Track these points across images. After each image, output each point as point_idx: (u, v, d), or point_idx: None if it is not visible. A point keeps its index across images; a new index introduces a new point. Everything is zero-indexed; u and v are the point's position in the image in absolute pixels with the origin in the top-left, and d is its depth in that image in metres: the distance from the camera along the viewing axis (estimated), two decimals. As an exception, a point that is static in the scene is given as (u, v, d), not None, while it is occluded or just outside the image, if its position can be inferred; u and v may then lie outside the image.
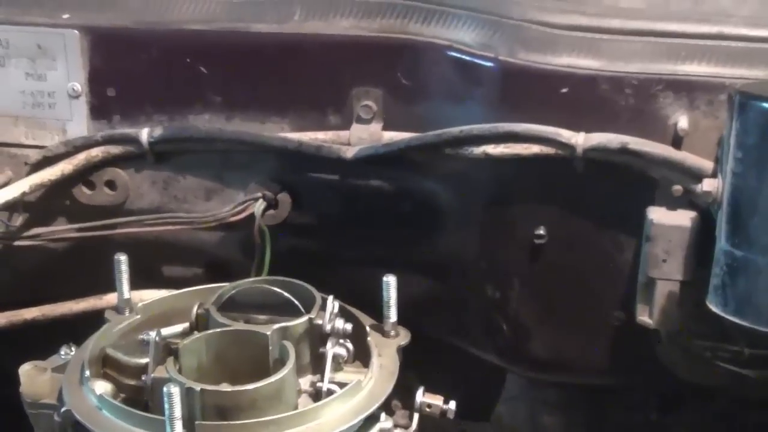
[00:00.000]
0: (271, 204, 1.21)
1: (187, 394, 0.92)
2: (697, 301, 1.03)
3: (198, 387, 0.92)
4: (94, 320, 1.10)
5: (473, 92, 1.13)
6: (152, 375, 0.98)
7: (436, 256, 1.23)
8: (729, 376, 1.13)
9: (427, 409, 1.04)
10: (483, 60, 1.11)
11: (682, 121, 1.06)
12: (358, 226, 1.23)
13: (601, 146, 1.07)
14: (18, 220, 1.24)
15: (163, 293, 1.15)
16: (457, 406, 1.05)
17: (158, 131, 1.20)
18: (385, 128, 1.17)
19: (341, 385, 0.99)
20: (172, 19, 1.20)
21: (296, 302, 1.05)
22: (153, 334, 0.99)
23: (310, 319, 1.03)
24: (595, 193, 1.12)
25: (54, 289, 1.28)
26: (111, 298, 1.19)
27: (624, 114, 1.08)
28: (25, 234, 1.24)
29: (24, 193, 1.20)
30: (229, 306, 1.06)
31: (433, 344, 1.23)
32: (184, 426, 0.90)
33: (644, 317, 1.11)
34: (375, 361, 1.03)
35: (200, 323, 1.05)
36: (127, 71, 1.21)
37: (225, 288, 1.08)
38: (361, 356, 1.05)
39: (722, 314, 0.98)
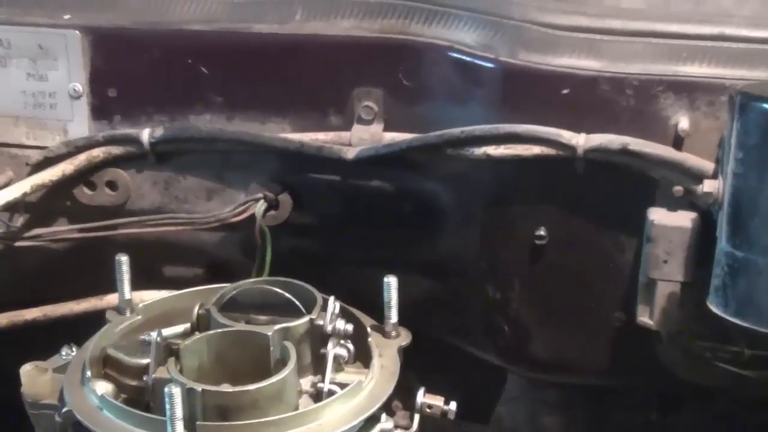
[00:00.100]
0: (272, 204, 1.21)
1: (189, 394, 0.92)
2: (697, 301, 1.03)
3: (199, 387, 0.93)
4: (95, 321, 1.10)
5: (474, 93, 1.13)
6: (153, 375, 0.98)
7: (437, 257, 1.23)
8: (729, 376, 1.13)
9: (428, 410, 1.04)
10: (484, 61, 1.12)
11: (683, 122, 1.06)
12: (359, 227, 1.23)
13: (602, 147, 1.07)
14: (19, 220, 1.24)
15: (164, 294, 1.15)
16: (458, 406, 1.05)
17: (159, 132, 1.20)
18: (386, 129, 1.17)
19: (342, 385, 0.99)
20: (173, 19, 1.20)
21: (297, 303, 1.05)
22: (154, 334, 0.99)
23: (311, 320, 1.03)
24: (596, 194, 1.12)
25: (55, 290, 1.28)
26: (112, 299, 1.19)
27: (625, 115, 1.08)
28: (26, 234, 1.25)
29: (25, 194, 1.20)
30: (230, 306, 1.06)
31: (433, 345, 1.23)
32: (185, 426, 0.90)
33: (645, 318, 1.11)
34: (376, 361, 1.03)
35: (201, 324, 1.05)
36: (129, 71, 1.21)
37: (226, 288, 1.08)
38: (362, 357, 1.05)
39: (723, 315, 0.98)
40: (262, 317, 1.06)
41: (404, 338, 1.08)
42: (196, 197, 1.24)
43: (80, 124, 1.23)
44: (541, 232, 1.15)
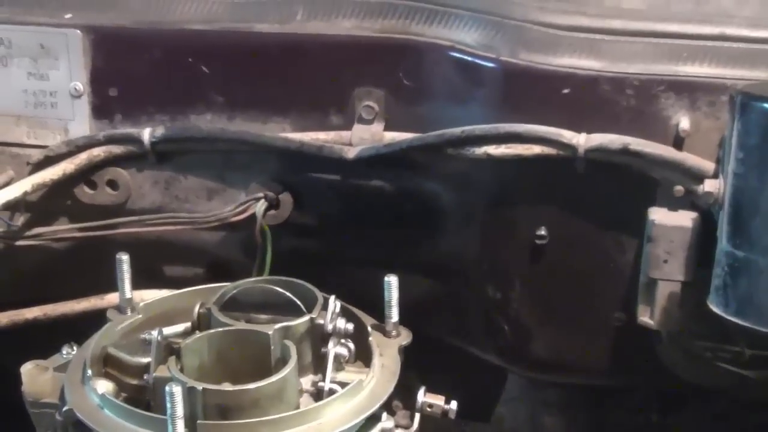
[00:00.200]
0: (273, 204, 1.21)
1: (189, 393, 0.92)
2: (698, 301, 1.03)
3: (200, 386, 0.93)
4: (95, 320, 1.11)
5: (475, 93, 1.13)
6: (154, 374, 0.98)
7: (438, 257, 1.23)
8: (730, 376, 1.13)
9: (429, 409, 1.04)
10: (485, 60, 1.12)
11: (684, 122, 1.06)
12: (360, 227, 1.23)
13: (602, 147, 1.07)
14: (20, 219, 1.24)
15: (164, 293, 1.15)
16: (458, 406, 1.05)
17: (160, 131, 1.20)
18: (387, 129, 1.17)
19: (343, 384, 0.99)
20: (175, 19, 1.20)
21: (298, 302, 1.05)
22: (155, 333, 0.99)
23: (312, 319, 1.03)
24: (597, 194, 1.12)
25: (56, 289, 1.28)
26: (113, 298, 1.19)
27: (625, 115, 1.08)
28: (27, 233, 1.25)
29: (26, 193, 1.20)
30: (230, 306, 1.06)
31: (434, 344, 1.23)
32: (186, 425, 0.90)
33: (645, 318, 1.11)
34: (376, 361, 1.03)
35: (202, 323, 1.05)
36: (129, 71, 1.22)
37: (227, 288, 1.08)
38: (363, 356, 1.05)
39: (723, 315, 0.98)
40: (263, 316, 1.06)
41: (405, 337, 1.08)
42: (196, 197, 1.24)
43: (81, 124, 1.23)
44: (542, 231, 1.15)
